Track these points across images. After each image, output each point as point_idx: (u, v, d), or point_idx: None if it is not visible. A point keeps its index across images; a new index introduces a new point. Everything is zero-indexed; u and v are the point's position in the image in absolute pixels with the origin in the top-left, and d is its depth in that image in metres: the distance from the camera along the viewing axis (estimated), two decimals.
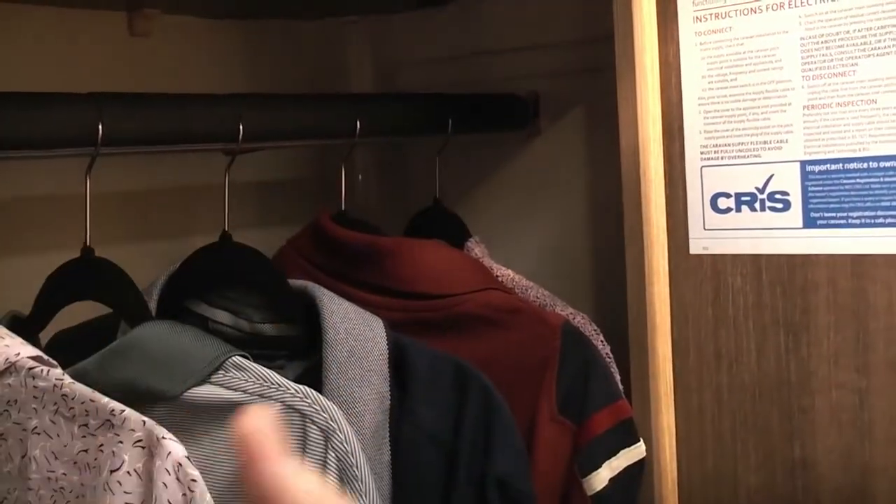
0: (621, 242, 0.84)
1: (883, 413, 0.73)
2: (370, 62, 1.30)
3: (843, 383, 0.74)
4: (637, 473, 0.83)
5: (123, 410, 0.57)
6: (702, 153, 0.80)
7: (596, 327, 0.91)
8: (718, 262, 0.79)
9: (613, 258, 0.86)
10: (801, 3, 0.75)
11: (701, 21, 0.79)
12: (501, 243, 1.08)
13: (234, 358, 0.66)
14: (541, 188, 1.14)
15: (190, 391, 0.65)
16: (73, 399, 0.59)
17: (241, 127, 0.82)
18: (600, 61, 0.85)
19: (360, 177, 1.29)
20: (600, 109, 0.87)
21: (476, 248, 1.00)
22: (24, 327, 0.73)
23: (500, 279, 0.95)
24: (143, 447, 0.56)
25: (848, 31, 0.73)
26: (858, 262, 0.73)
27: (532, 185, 1.15)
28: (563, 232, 1.12)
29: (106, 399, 0.58)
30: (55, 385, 0.60)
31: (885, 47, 0.72)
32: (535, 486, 0.78)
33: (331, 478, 0.62)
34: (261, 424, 0.48)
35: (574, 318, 0.91)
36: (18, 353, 0.61)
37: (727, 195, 0.79)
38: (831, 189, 0.74)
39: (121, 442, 0.57)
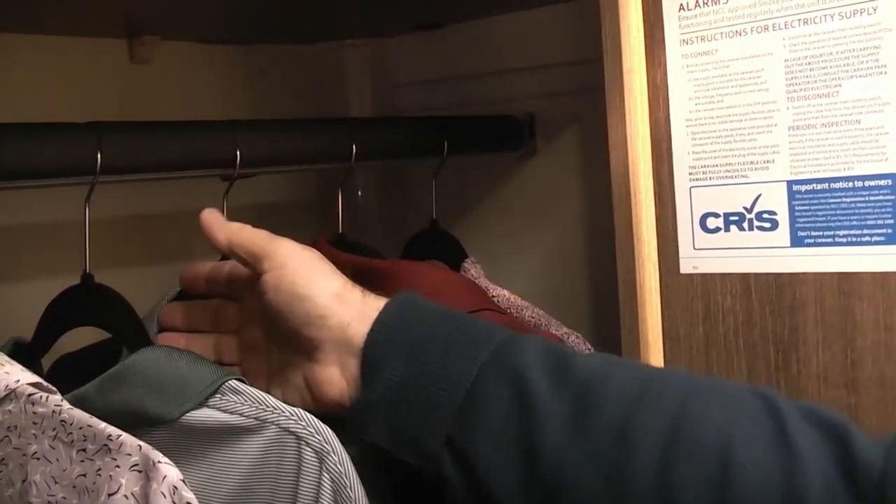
0: (615, 262, 0.85)
1: (872, 429, 0.73)
2: (368, 85, 1.32)
3: (833, 400, 0.75)
4: None
5: (120, 435, 0.58)
6: (690, 174, 0.81)
7: (590, 346, 0.92)
8: (708, 282, 0.80)
9: (608, 278, 0.87)
10: (786, 25, 0.76)
11: (687, 44, 0.81)
12: (497, 263, 1.09)
13: (230, 381, 0.67)
14: (536, 208, 1.15)
15: (187, 415, 0.66)
16: (71, 424, 0.60)
17: (238, 152, 0.83)
18: (594, 82, 0.86)
19: (359, 193, 1.31)
20: (595, 130, 0.88)
21: (472, 269, 1.01)
22: (26, 353, 0.75)
23: (495, 299, 0.96)
24: (140, 471, 0.57)
25: (831, 53, 0.75)
26: (845, 280, 0.74)
27: (528, 205, 1.16)
28: (559, 252, 1.13)
29: (103, 424, 0.59)
30: (54, 411, 0.61)
31: (867, 68, 0.73)
32: None
33: (325, 500, 0.63)
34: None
35: (568, 338, 0.92)
36: (18, 380, 0.62)
37: (716, 215, 0.80)
38: (818, 208, 0.75)
39: (118, 466, 0.58)
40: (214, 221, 0.71)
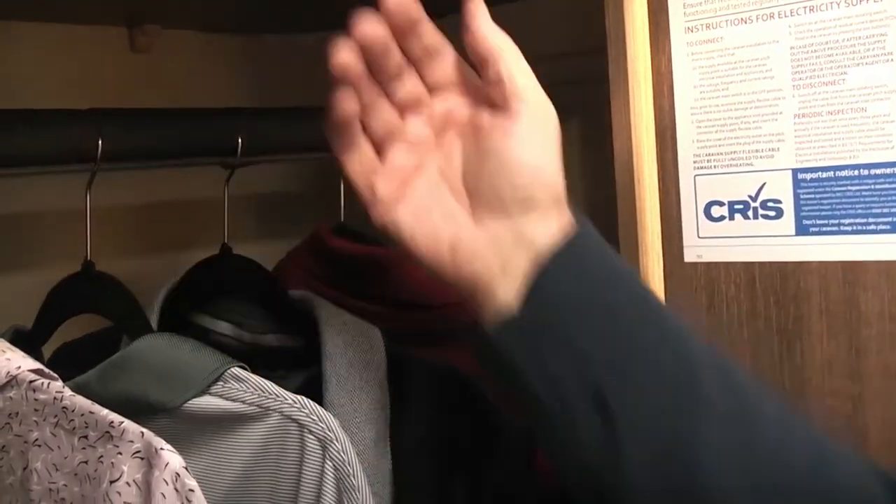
0: (618, 251, 0.84)
1: (877, 419, 0.73)
2: None
3: (838, 390, 0.75)
4: None
5: (122, 422, 0.58)
6: (695, 162, 0.80)
7: None
8: (712, 270, 0.80)
9: None
10: (791, 12, 0.76)
11: (692, 31, 0.80)
12: None
13: (232, 369, 0.67)
14: None
15: (189, 402, 0.66)
16: (72, 411, 0.60)
17: (239, 141, 0.83)
18: (595, 72, 0.86)
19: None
20: (597, 119, 0.88)
21: None
22: (27, 341, 0.74)
23: None
24: (142, 458, 0.57)
25: (837, 41, 0.74)
26: (850, 269, 0.74)
27: None
28: None
29: (105, 411, 0.59)
30: (55, 398, 0.60)
31: (873, 56, 0.73)
32: (538, 488, 0.79)
33: (328, 488, 0.63)
34: None
35: None
36: (20, 367, 0.62)
37: (720, 203, 0.79)
38: (823, 196, 0.75)
39: (120, 453, 0.58)
40: (483, 16, 0.61)
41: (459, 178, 0.61)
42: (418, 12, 0.60)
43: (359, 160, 0.62)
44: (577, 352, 0.55)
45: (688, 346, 0.57)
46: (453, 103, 0.62)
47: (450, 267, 0.59)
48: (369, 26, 0.59)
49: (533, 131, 0.59)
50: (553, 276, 0.57)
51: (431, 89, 0.63)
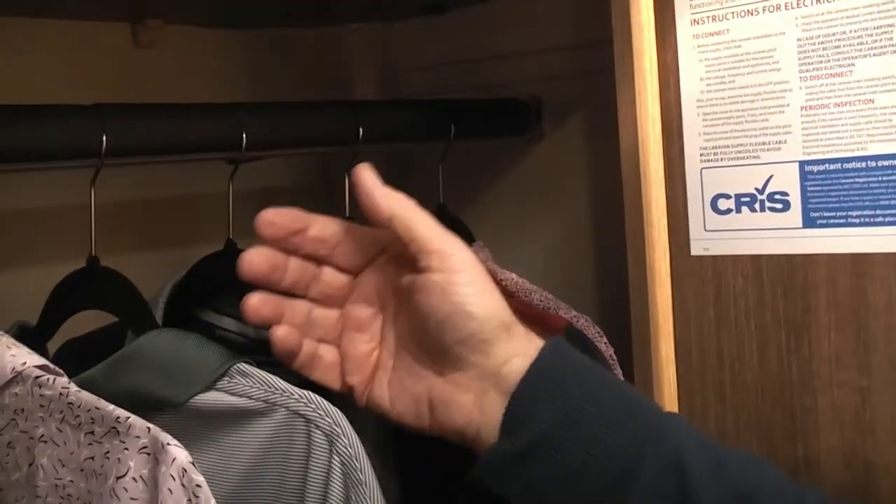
0: (624, 245, 0.84)
1: (885, 411, 0.73)
2: (373, 69, 1.31)
3: (845, 382, 0.74)
4: None
5: (129, 417, 0.58)
6: (701, 155, 0.80)
7: (599, 330, 0.91)
8: (719, 263, 0.80)
9: (616, 261, 0.86)
10: (798, 4, 0.76)
11: (698, 24, 0.80)
12: (505, 247, 1.08)
13: (238, 364, 0.67)
14: (544, 192, 1.15)
15: (195, 398, 0.65)
16: (78, 407, 0.60)
17: (244, 136, 0.83)
18: (601, 65, 0.86)
19: None
20: (602, 113, 0.88)
21: (480, 253, 1.00)
22: (32, 337, 0.74)
23: (503, 283, 0.95)
24: (149, 453, 0.57)
25: (844, 32, 0.74)
26: (858, 261, 0.74)
27: (535, 188, 1.15)
28: (567, 235, 1.12)
29: (111, 406, 0.59)
30: (61, 393, 0.60)
31: (881, 47, 0.72)
32: None
33: (335, 483, 0.62)
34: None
35: (578, 321, 0.91)
36: (25, 363, 0.62)
37: (727, 196, 0.79)
38: (830, 189, 0.75)
39: (126, 449, 0.57)
40: (375, 184, 0.63)
41: (412, 339, 0.63)
42: (293, 222, 0.64)
43: (323, 370, 0.65)
44: (552, 481, 0.57)
45: (680, 454, 0.57)
46: (379, 276, 0.66)
47: (434, 424, 0.62)
48: (249, 265, 0.63)
49: (458, 277, 0.60)
50: (525, 406, 0.58)
51: (345, 270, 0.66)
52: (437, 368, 0.62)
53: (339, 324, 0.66)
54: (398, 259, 0.65)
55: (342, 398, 0.66)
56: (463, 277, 0.60)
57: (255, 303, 0.63)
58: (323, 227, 0.65)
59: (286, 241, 0.64)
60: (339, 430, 0.63)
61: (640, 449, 0.56)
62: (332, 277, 0.66)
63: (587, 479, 0.56)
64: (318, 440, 0.63)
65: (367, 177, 0.63)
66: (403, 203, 0.63)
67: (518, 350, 0.60)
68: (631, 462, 0.56)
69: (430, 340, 0.61)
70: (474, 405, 0.60)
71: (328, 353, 0.66)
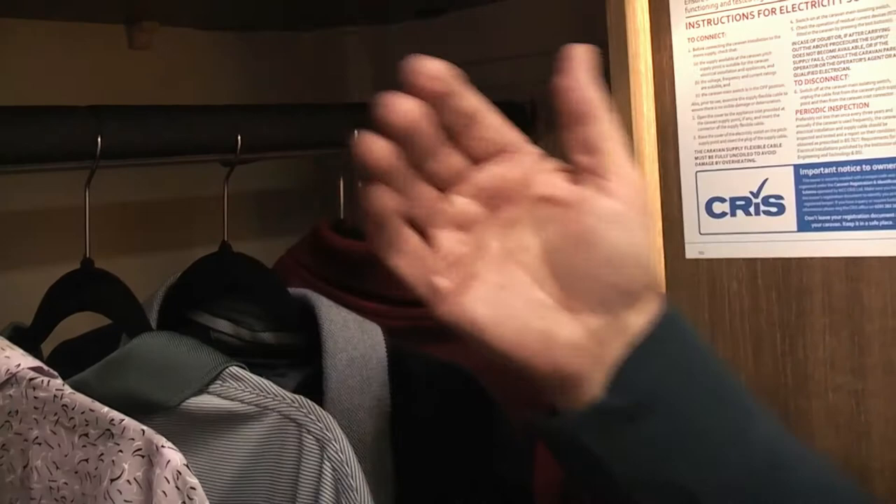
0: None
1: (879, 415, 0.73)
2: (369, 72, 1.31)
3: (840, 386, 0.74)
4: None
5: (123, 420, 0.58)
6: (696, 158, 0.80)
7: None
8: (714, 267, 0.80)
9: None
10: (793, 8, 0.76)
11: (694, 27, 0.80)
12: None
13: (231, 368, 0.66)
14: None
15: (187, 401, 0.65)
16: (73, 409, 0.59)
17: (238, 138, 0.83)
18: (598, 68, 0.85)
19: (359, 184, 1.30)
20: None
21: None
22: (26, 339, 0.74)
23: None
24: (143, 456, 0.56)
25: (839, 36, 0.74)
26: (853, 265, 0.74)
27: None
28: None
29: (106, 409, 0.59)
30: (55, 395, 0.60)
31: (876, 51, 0.73)
32: (537, 489, 0.79)
33: (326, 488, 0.62)
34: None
35: None
36: (19, 365, 0.62)
37: (722, 200, 0.79)
38: (825, 192, 0.75)
39: (120, 451, 0.57)
40: (586, 69, 0.54)
41: (538, 261, 0.53)
42: (453, 83, 0.53)
43: (408, 257, 0.54)
44: (661, 445, 0.51)
45: (777, 442, 0.53)
46: (502, 172, 0.55)
47: (541, 362, 0.52)
48: (400, 112, 0.51)
49: (634, 214, 0.52)
50: (642, 365, 0.52)
51: (474, 159, 0.55)
52: (571, 306, 0.52)
53: (438, 210, 0.54)
54: (532, 159, 0.56)
55: (333, 403, 0.66)
56: (643, 216, 0.52)
57: (377, 151, 0.51)
58: (470, 99, 0.54)
59: (439, 100, 0.53)
60: (331, 436, 0.63)
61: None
62: (449, 157, 0.54)
63: (673, 464, 0.51)
64: (310, 445, 0.63)
65: (580, 53, 0.54)
66: (604, 109, 0.54)
67: (652, 311, 0.53)
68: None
69: (578, 273, 0.52)
70: (596, 354, 0.52)
71: (416, 242, 0.54)
